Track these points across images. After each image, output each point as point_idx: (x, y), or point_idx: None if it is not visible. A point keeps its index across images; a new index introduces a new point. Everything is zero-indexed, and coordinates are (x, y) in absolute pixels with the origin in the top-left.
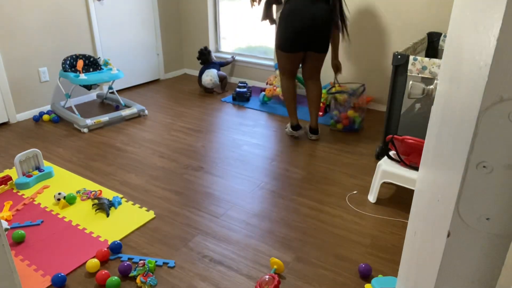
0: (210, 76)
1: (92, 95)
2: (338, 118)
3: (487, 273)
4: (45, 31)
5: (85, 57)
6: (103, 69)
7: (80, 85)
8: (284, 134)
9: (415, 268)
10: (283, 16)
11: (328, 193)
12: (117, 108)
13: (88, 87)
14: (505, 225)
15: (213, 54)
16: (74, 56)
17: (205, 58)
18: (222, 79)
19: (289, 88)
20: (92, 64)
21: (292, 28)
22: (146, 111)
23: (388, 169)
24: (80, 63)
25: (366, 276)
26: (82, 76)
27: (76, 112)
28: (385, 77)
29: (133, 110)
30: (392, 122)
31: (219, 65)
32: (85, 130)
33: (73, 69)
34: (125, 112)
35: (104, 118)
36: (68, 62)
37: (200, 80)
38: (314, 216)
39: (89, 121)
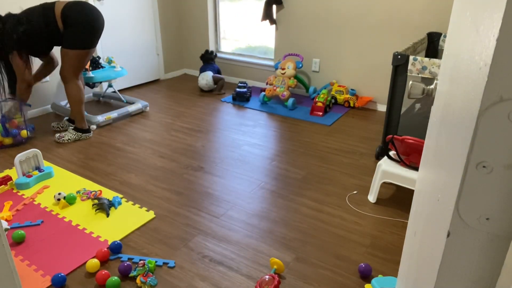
0: (206, 79)
1: (89, 94)
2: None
3: (487, 273)
4: None
5: None
6: (104, 67)
7: (84, 83)
8: (284, 134)
9: (415, 268)
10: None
11: (328, 193)
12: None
13: (91, 85)
14: (505, 225)
15: (217, 55)
16: None
17: (205, 58)
18: (217, 81)
19: (83, 91)
20: (91, 63)
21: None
22: (148, 107)
23: (388, 169)
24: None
25: (366, 276)
26: (90, 74)
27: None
28: (385, 77)
29: (138, 105)
30: (392, 122)
31: (217, 69)
32: (94, 127)
33: None
34: (131, 108)
35: (113, 114)
36: None
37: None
38: (314, 216)
39: (100, 118)
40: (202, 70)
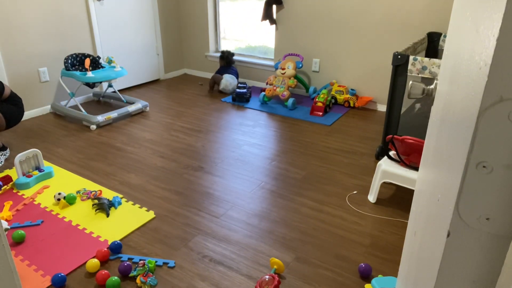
0: (233, 85)
1: (89, 94)
2: None
3: (487, 273)
4: (45, 31)
5: (84, 56)
6: (104, 67)
7: (83, 83)
8: (284, 134)
9: (415, 268)
10: None
11: (328, 193)
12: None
13: (91, 85)
14: (505, 225)
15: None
16: (74, 55)
17: (227, 60)
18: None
19: None
20: (91, 62)
21: None
22: (148, 107)
23: (388, 169)
24: (87, 61)
25: (366, 276)
26: (90, 74)
27: (83, 110)
28: (385, 77)
29: (138, 105)
30: (392, 122)
31: (236, 73)
32: (94, 127)
33: (74, 67)
34: (131, 108)
35: (113, 114)
36: (69, 61)
37: (215, 80)
38: (314, 216)
39: (100, 118)
40: (225, 72)
